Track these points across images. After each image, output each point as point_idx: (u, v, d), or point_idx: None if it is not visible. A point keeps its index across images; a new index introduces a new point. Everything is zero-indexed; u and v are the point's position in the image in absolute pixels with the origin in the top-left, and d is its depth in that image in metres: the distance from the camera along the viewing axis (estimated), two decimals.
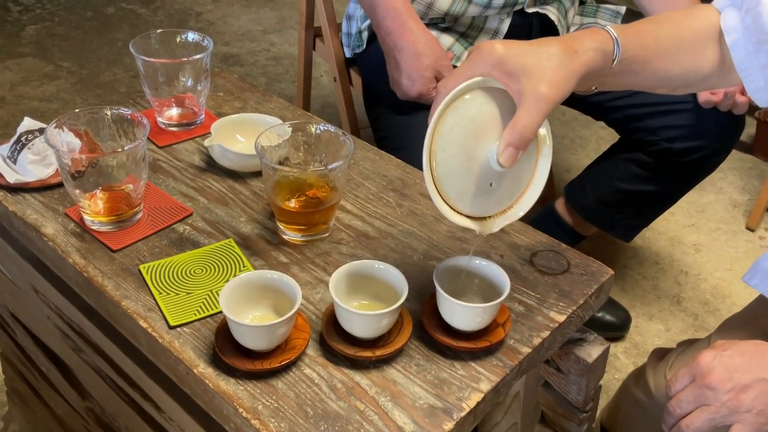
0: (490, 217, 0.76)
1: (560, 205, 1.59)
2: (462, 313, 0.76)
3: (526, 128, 0.69)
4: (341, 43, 1.56)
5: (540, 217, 1.60)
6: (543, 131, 0.74)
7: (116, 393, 0.97)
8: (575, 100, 1.47)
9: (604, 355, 0.88)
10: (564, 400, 0.92)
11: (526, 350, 0.78)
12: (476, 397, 0.72)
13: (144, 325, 0.79)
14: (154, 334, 0.78)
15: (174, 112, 1.09)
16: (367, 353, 0.75)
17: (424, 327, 0.79)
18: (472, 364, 0.76)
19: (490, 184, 0.74)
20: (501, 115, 0.72)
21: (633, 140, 1.41)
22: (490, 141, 0.72)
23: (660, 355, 1.09)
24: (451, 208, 0.74)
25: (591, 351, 0.87)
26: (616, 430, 1.19)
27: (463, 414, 0.71)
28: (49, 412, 1.23)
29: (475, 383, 0.74)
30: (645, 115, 1.37)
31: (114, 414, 1.02)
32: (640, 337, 1.67)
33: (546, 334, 0.79)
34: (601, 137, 2.33)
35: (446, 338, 0.77)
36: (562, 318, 0.81)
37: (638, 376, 1.11)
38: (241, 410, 0.71)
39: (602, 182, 1.49)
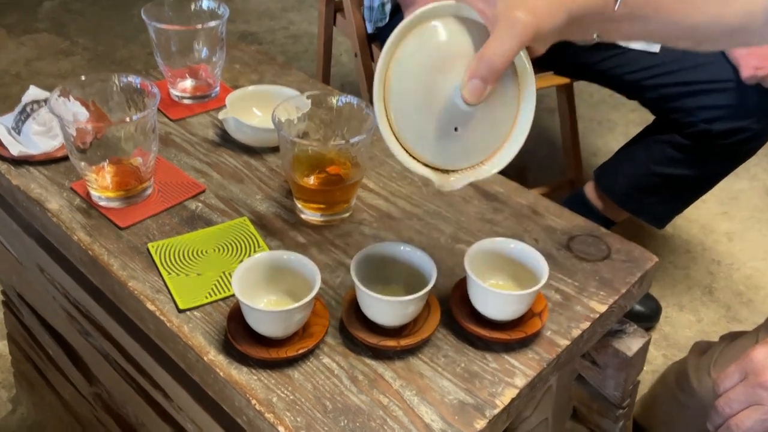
0: (456, 171, 0.67)
1: (590, 190, 1.53)
2: (495, 301, 0.70)
3: (495, 56, 0.58)
4: (363, 17, 1.52)
5: (568, 201, 1.54)
6: (526, 64, 0.64)
7: (124, 379, 0.93)
8: (605, 76, 1.41)
9: (645, 348, 0.82)
10: (599, 396, 0.86)
11: (565, 342, 0.72)
12: (510, 393, 0.67)
13: (151, 307, 0.75)
14: (162, 317, 0.74)
15: (188, 83, 1.04)
16: (392, 342, 0.70)
17: (453, 315, 0.73)
18: (506, 356, 0.70)
19: (456, 129, 0.64)
20: (475, 50, 0.62)
21: (669, 121, 1.35)
22: (457, 77, 0.61)
23: (701, 349, 1.03)
24: (409, 153, 0.65)
25: (630, 344, 0.81)
26: (652, 426, 1.13)
27: (496, 411, 0.65)
28: (56, 397, 1.20)
29: (509, 378, 0.68)
30: (682, 94, 1.31)
31: (122, 401, 0.98)
32: (671, 328, 1.61)
33: (586, 325, 0.74)
34: (630, 120, 2.26)
35: (477, 328, 0.71)
36: (603, 308, 0.75)
37: (678, 372, 1.05)
38: (254, 402, 0.66)
39: (635, 165, 1.43)
